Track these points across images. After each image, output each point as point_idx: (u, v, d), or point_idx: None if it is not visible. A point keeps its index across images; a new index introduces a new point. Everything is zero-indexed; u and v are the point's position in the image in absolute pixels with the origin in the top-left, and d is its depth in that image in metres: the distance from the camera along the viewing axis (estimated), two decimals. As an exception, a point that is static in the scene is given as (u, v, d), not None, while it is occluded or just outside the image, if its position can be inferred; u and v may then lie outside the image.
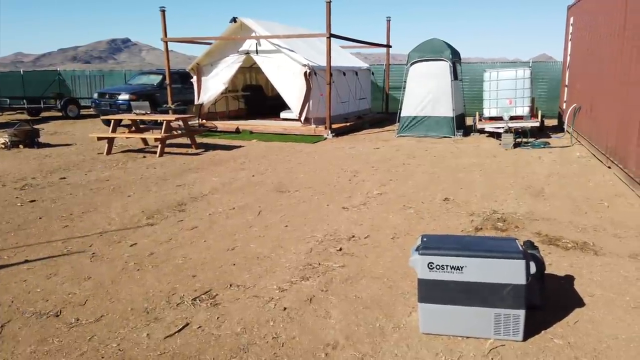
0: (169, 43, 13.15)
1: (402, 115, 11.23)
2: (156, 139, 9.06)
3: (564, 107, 11.78)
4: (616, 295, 3.12)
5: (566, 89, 11.86)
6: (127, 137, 9.97)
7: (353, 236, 4.40)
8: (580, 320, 2.83)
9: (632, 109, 6.03)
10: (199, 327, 2.83)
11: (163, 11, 12.54)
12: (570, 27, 11.59)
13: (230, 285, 3.38)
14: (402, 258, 3.82)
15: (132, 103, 11.43)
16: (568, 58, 11.80)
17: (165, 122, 9.09)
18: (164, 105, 12.98)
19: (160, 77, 14.64)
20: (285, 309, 3.02)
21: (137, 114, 9.73)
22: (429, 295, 2.66)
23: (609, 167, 6.96)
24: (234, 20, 12.06)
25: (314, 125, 11.66)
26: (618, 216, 4.80)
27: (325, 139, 11.01)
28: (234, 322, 2.86)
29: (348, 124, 12.57)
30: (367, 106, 15.12)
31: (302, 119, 11.79)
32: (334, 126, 11.56)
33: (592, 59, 8.89)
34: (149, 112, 9.87)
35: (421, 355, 2.52)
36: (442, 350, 2.56)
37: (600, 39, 8.21)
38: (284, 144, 10.38)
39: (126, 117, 9.82)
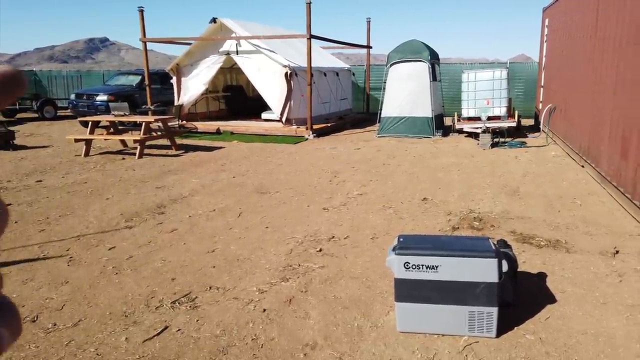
0: (148, 43, 13.02)
1: (382, 115, 11.33)
2: (135, 141, 8.97)
3: (540, 107, 12.03)
4: (586, 292, 3.23)
5: (542, 89, 12.12)
6: (105, 139, 9.84)
7: (333, 237, 4.44)
8: (551, 316, 2.92)
9: (603, 110, 6.20)
10: (178, 330, 2.83)
11: (141, 11, 12.41)
12: (546, 29, 11.85)
13: (210, 287, 3.39)
14: (381, 258, 3.88)
15: (110, 104, 11.29)
16: (544, 59, 12.06)
17: (144, 123, 9.00)
18: (144, 106, 12.84)
19: (140, 77, 14.47)
20: (264, 310, 3.05)
21: (115, 115, 9.62)
22: (405, 294, 2.72)
23: (583, 166, 7.15)
24: (214, 20, 12.01)
25: (295, 126, 11.68)
26: (590, 214, 4.95)
27: (307, 139, 11.05)
28: (214, 325, 2.88)
29: (329, 124, 12.63)
30: (349, 107, 15.21)
31: (284, 119, 11.80)
32: (315, 127, 11.59)
33: (566, 60, 9.11)
34: (127, 113, 9.75)
35: (398, 353, 2.57)
36: (418, 347, 2.61)
37: (573, 41, 8.42)
38: (265, 144, 10.38)
39: (104, 119, 9.70)
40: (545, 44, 11.91)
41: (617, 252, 3.90)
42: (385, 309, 3.05)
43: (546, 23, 11.82)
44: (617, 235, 4.29)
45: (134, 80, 14.69)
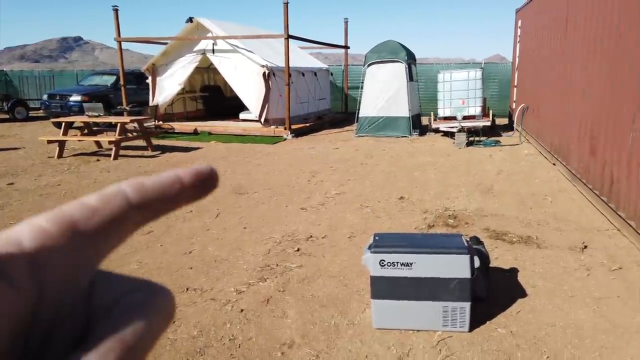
0: (123, 43, 12.84)
1: (360, 115, 11.41)
2: (110, 142, 8.83)
3: (514, 106, 12.30)
4: (556, 286, 3.33)
5: (515, 89, 12.38)
6: (79, 140, 9.67)
7: (311, 236, 4.47)
8: (522, 310, 3.01)
9: (573, 110, 6.39)
10: (155, 332, 2.82)
11: (116, 10, 12.22)
12: (519, 30, 12.11)
13: (187, 289, 3.38)
14: (358, 256, 3.91)
15: (84, 104, 11.07)
16: (517, 59, 12.33)
17: (119, 124, 8.88)
18: (119, 107, 12.66)
19: (114, 77, 14.25)
20: (242, 310, 3.06)
21: (89, 116, 9.45)
22: (381, 291, 2.77)
23: (554, 164, 7.35)
24: (190, 20, 11.91)
25: (274, 126, 11.67)
26: (560, 211, 5.09)
27: (285, 139, 11.05)
28: (190, 326, 2.88)
29: (308, 124, 12.65)
30: (327, 106, 15.26)
31: (262, 119, 11.78)
32: (293, 127, 11.61)
33: (537, 61, 9.33)
34: (102, 114, 9.59)
35: (374, 350, 2.61)
36: (393, 343, 2.66)
37: (544, 42, 8.64)
38: (244, 145, 10.35)
39: (78, 119, 9.52)
40: (518, 45, 12.18)
41: (585, 247, 4.03)
42: (362, 306, 3.09)
43: (519, 24, 12.08)
44: (585, 231, 4.43)
45: (109, 80, 14.46)
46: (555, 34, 7.63)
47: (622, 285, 3.32)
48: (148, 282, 0.24)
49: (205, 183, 0.24)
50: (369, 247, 2.77)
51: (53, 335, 0.21)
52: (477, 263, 2.67)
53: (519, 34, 12.12)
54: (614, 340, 2.66)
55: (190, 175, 0.24)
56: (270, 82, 11.40)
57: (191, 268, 3.76)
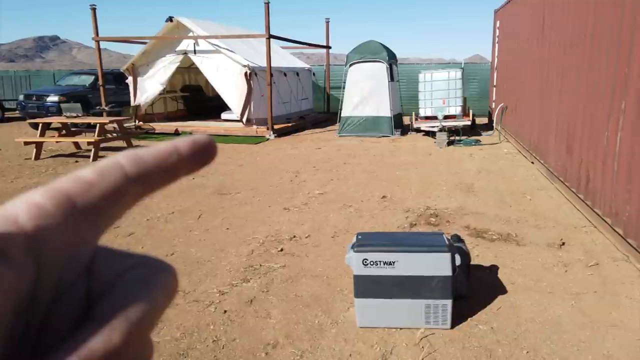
0: (102, 42, 12.63)
1: (342, 115, 11.45)
2: (89, 143, 8.70)
3: (493, 106, 12.48)
4: (534, 282, 3.40)
5: (494, 89, 12.57)
6: (57, 141, 9.48)
7: (294, 236, 4.47)
8: (502, 306, 3.06)
9: (550, 109, 6.52)
10: (137, 335, 2.79)
11: (94, 9, 12.03)
12: (497, 31, 12.30)
13: (170, 291, 3.35)
14: (341, 256, 3.93)
15: (62, 105, 10.88)
16: (496, 60, 12.52)
17: (98, 124, 8.74)
18: (97, 107, 12.46)
19: (93, 77, 14.02)
20: (225, 311, 3.04)
21: (67, 117, 9.28)
22: (364, 290, 2.79)
23: (532, 163, 7.49)
24: (170, 19, 11.79)
25: (256, 126, 11.63)
26: (539, 208, 5.20)
27: (268, 139, 11.02)
28: (173, 328, 2.85)
29: (290, 124, 12.64)
30: (309, 106, 15.26)
31: (244, 119, 11.73)
32: (276, 127, 11.58)
33: (515, 61, 9.49)
34: (80, 115, 9.43)
35: (357, 348, 2.63)
36: (377, 342, 2.69)
37: (522, 43, 8.79)
38: (226, 145, 10.28)
39: (56, 120, 9.34)
40: (496, 45, 12.37)
41: (563, 243, 4.12)
42: (346, 305, 3.11)
43: (497, 25, 12.27)
44: (563, 228, 4.53)
45: (87, 80, 14.22)
46: (533, 34, 7.77)
47: (599, 280, 3.41)
48: (150, 257, 0.23)
49: (203, 153, 0.24)
50: (352, 247, 2.79)
51: (54, 313, 0.20)
52: (458, 261, 2.71)
53: (497, 34, 12.31)
54: (591, 334, 2.73)
55: (188, 145, 0.23)
56: (252, 82, 11.36)
57: (173, 270, 3.72)
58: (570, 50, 5.62)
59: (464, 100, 11.11)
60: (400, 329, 2.80)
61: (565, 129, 5.70)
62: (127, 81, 12.62)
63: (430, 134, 10.77)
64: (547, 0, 6.90)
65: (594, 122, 4.68)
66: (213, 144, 0.24)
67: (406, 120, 12.28)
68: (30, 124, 11.85)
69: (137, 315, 0.20)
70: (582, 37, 5.14)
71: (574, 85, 5.44)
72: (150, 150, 0.23)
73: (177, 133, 11.78)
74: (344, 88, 11.50)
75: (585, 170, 4.91)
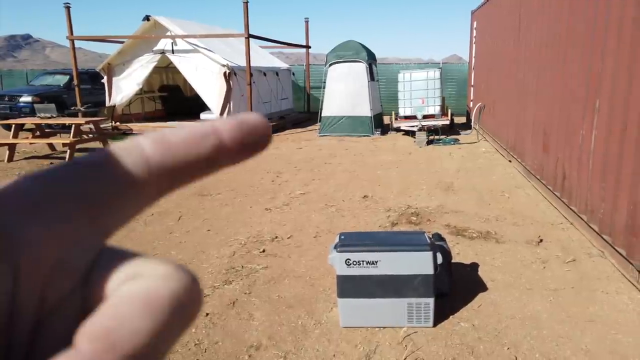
0: (77, 41, 12.36)
1: (323, 115, 11.45)
2: (64, 144, 8.51)
3: (471, 105, 12.66)
4: (514, 279, 3.45)
5: (472, 88, 12.75)
6: (31, 143, 9.25)
7: (276, 237, 4.45)
8: (483, 303, 3.10)
9: (526, 108, 6.64)
10: (117, 340, 2.73)
11: (68, 7, 11.76)
12: (474, 31, 12.48)
13: (150, 294, 3.30)
14: (324, 256, 3.92)
15: (35, 105, 10.59)
16: (473, 60, 12.70)
17: (73, 125, 8.55)
18: (72, 108, 12.19)
19: (68, 77, 13.72)
20: (207, 314, 3.01)
21: (41, 118, 9.05)
22: (347, 290, 2.79)
23: (510, 161, 7.61)
24: (147, 18, 11.61)
25: (236, 126, 11.53)
26: (517, 206, 5.28)
27: (248, 140, 10.94)
28: (154, 332, 2.80)
29: (271, 124, 12.56)
30: (290, 106, 15.23)
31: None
32: (256, 127, 11.51)
33: (493, 61, 9.64)
34: (55, 115, 9.21)
35: (341, 349, 2.63)
36: (360, 341, 2.69)
37: (499, 43, 8.93)
38: (205, 146, 10.18)
39: (29, 121, 9.10)
40: (474, 46, 12.54)
41: (541, 240, 4.19)
42: (329, 305, 3.11)
43: (474, 25, 12.44)
44: (541, 225, 4.62)
45: (62, 80, 13.91)
46: (509, 35, 7.90)
47: (576, 276, 3.48)
48: (162, 263, 0.17)
49: (253, 138, 0.18)
50: (335, 247, 2.78)
51: (41, 329, 0.16)
52: (439, 259, 2.74)
53: (474, 35, 12.48)
54: (570, 329, 2.79)
55: (232, 127, 0.18)
56: (231, 82, 11.27)
57: (153, 273, 3.66)
58: (545, 50, 5.73)
59: (443, 99, 11.23)
60: (384, 328, 2.81)
61: (542, 128, 5.81)
62: (102, 81, 12.38)
63: (410, 133, 10.85)
64: (523, 0, 7.03)
65: (569, 121, 4.78)
66: (266, 125, 0.19)
67: (386, 119, 12.35)
68: (2, 125, 11.51)
69: (130, 344, 0.14)
70: (557, 37, 5.25)
71: (549, 85, 5.55)
72: (180, 133, 0.18)
73: (155, 134, 11.60)
74: (324, 88, 11.50)
75: (561, 168, 5.01)
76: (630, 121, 3.41)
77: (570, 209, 4.64)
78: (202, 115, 12.88)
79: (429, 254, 2.70)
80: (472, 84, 12.74)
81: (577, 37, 4.58)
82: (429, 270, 2.71)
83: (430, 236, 2.99)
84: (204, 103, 11.96)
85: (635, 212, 3.32)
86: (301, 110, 16.45)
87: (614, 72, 3.71)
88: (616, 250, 3.60)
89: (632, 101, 3.39)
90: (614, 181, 3.67)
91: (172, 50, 11.61)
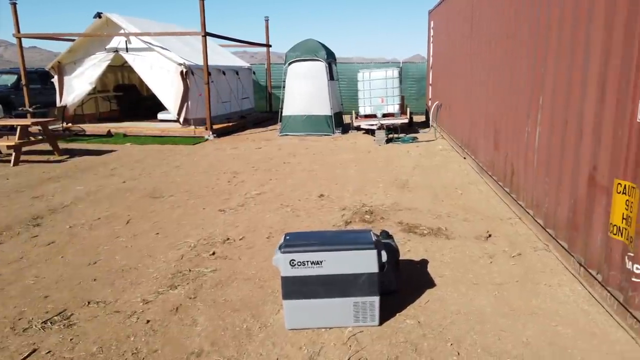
0: (30, 39, 11.81)
1: (283, 114, 11.37)
2: (9, 147, 8.10)
3: (430, 104, 12.84)
4: (461, 274, 3.49)
5: (430, 87, 12.94)
6: (-27, 145, 8.76)
7: (228, 239, 4.35)
8: (430, 300, 3.11)
9: (479, 106, 6.76)
10: (49, 352, 2.59)
11: (14, 4, 11.21)
12: (431, 31, 12.66)
13: (89, 302, 3.15)
14: (275, 257, 3.87)
15: (-21, 106, 10.08)
16: (431, 59, 12.88)
17: (19, 127, 8.16)
18: (20, 109, 11.64)
19: (15, 77, 13.12)
20: (148, 321, 2.89)
21: (-16, 119, 8.60)
22: (292, 291, 2.73)
23: (464, 158, 7.75)
24: (99, 15, 11.21)
25: (194, 126, 11.31)
26: (469, 202, 5.37)
27: (207, 140, 10.75)
28: (90, 342, 2.67)
29: (230, 124, 12.40)
30: (251, 106, 15.05)
31: (181, 119, 11.37)
32: (215, 127, 11.32)
33: (448, 60, 9.80)
34: (1, 116, 8.77)
35: (285, 351, 2.58)
36: (305, 343, 2.64)
37: (453, 42, 9.09)
38: (162, 146, 9.93)
39: (-29, 123, 8.62)
40: (431, 45, 12.73)
41: (489, 236, 4.26)
42: (276, 307, 3.04)
43: (431, 25, 12.63)
44: (490, 220, 4.70)
45: (9, 79, 13.30)
46: (462, 34, 8.04)
47: (521, 270, 3.55)
48: None
49: None
50: (280, 248, 2.73)
51: None
52: (384, 257, 2.72)
53: (431, 34, 12.67)
54: (512, 323, 2.82)
55: None
56: (188, 81, 11.02)
57: (95, 280, 3.51)
58: (494, 49, 5.85)
59: (402, 98, 11.34)
60: (330, 328, 2.77)
61: (493, 125, 5.92)
62: (53, 80, 11.88)
63: (370, 132, 10.91)
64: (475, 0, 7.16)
65: (517, 117, 4.88)
66: None
67: (347, 118, 12.37)
68: (-57, 127, 10.86)
69: None
70: (504, 36, 5.36)
71: (498, 82, 5.66)
72: None
73: (109, 134, 11.22)
74: (284, 87, 11.42)
75: (510, 164, 5.12)
76: (570, 117, 3.50)
77: (518, 204, 4.74)
78: (160, 115, 12.58)
79: (374, 252, 2.68)
80: (430, 82, 12.93)
81: (523, 35, 4.68)
82: (374, 268, 2.69)
83: (377, 234, 2.98)
84: (161, 102, 11.66)
85: (576, 207, 3.41)
86: (263, 109, 16.30)
87: (555, 71, 3.80)
88: (559, 244, 3.69)
89: (572, 99, 3.48)
90: (556, 176, 3.76)
91: (126, 48, 11.26)
